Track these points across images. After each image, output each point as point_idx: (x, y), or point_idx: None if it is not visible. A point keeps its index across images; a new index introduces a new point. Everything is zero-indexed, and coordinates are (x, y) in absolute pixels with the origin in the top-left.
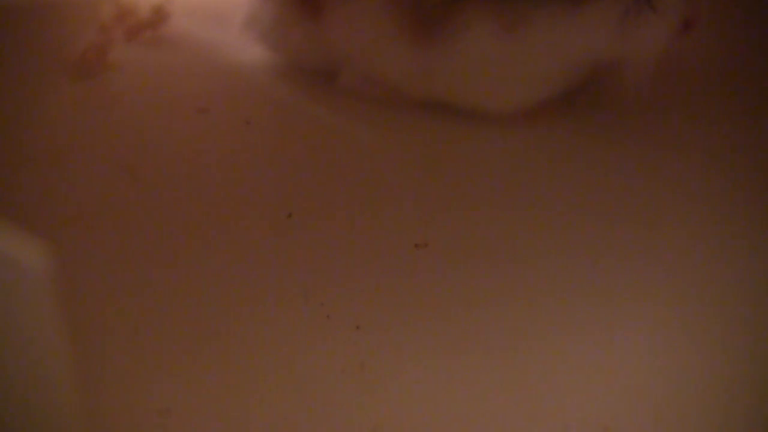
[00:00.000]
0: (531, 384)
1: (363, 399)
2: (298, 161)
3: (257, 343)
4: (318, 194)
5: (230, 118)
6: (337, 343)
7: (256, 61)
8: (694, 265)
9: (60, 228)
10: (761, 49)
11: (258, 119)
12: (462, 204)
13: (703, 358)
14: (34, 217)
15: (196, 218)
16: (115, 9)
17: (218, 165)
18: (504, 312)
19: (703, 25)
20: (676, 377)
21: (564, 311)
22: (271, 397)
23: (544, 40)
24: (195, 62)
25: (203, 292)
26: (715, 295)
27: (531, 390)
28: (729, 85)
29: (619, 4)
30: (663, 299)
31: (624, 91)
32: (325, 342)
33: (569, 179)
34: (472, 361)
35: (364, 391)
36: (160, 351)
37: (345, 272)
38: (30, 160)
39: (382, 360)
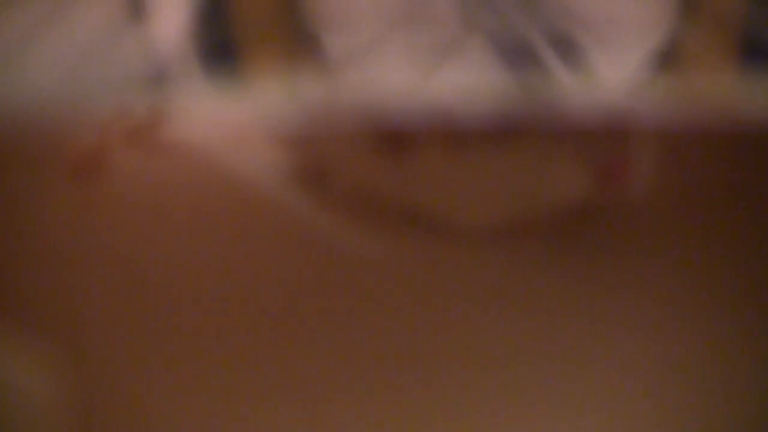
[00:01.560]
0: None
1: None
2: (291, 268)
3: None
4: (310, 302)
5: (227, 225)
6: None
7: (256, 168)
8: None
9: (59, 324)
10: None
11: (255, 225)
12: (452, 316)
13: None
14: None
15: (190, 322)
16: (115, 112)
17: (214, 271)
18: (498, 423)
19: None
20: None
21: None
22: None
23: (487, 166)
24: (193, 168)
25: (197, 392)
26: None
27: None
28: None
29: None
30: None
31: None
32: None
33: (555, 292)
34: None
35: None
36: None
37: (336, 380)
38: (24, 255)
39: None
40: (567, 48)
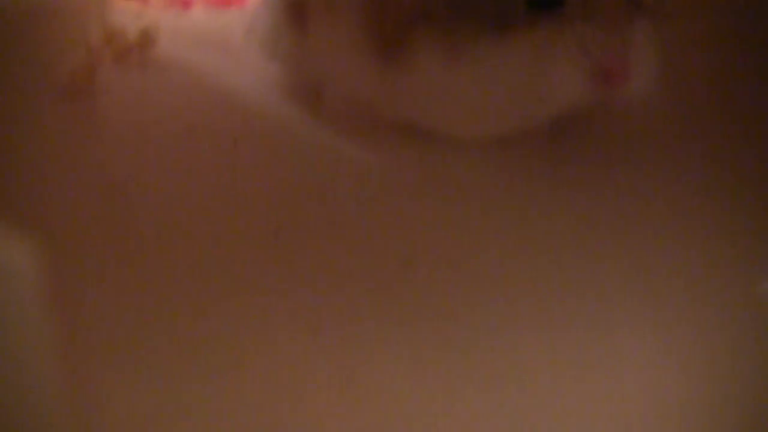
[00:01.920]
0: (523, 398)
1: (350, 417)
2: (285, 179)
3: (244, 358)
4: (305, 212)
5: (217, 137)
6: (323, 359)
7: (244, 82)
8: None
9: (49, 238)
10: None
11: (245, 139)
12: (447, 222)
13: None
14: (21, 224)
15: (182, 235)
16: (103, 32)
17: (205, 183)
18: (490, 326)
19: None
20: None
21: (553, 322)
22: (257, 413)
23: (484, 72)
24: (182, 84)
25: (189, 308)
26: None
27: (524, 403)
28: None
29: (534, 46)
30: (661, 303)
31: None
32: (311, 358)
33: (551, 199)
34: (461, 374)
35: (352, 408)
36: (147, 362)
37: (332, 289)
38: (16, 172)
39: (369, 376)
40: None
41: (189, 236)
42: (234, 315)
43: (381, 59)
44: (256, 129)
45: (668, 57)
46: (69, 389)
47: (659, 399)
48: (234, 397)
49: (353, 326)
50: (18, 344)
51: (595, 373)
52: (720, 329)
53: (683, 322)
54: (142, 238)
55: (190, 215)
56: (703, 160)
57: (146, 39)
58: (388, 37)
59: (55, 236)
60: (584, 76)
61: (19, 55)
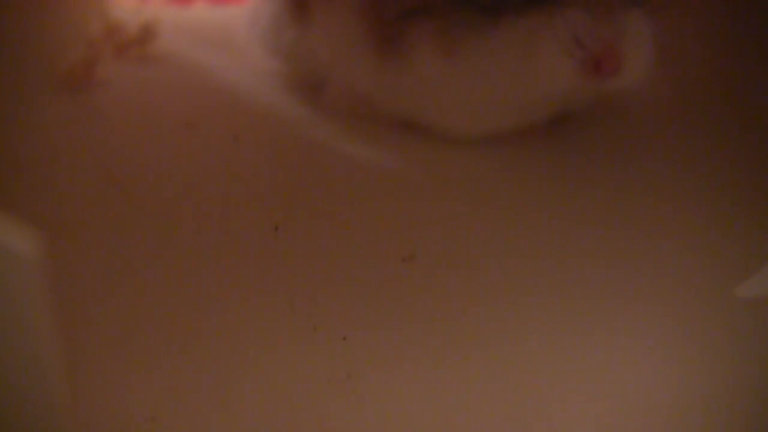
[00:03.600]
0: (522, 395)
1: (350, 409)
2: (285, 175)
3: (244, 353)
4: (304, 208)
5: (218, 133)
6: (323, 353)
7: (245, 78)
8: (686, 272)
9: (48, 231)
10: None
11: (246, 134)
12: (447, 218)
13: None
14: (20, 217)
15: (182, 230)
16: (104, 26)
17: (205, 178)
18: (489, 322)
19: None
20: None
21: (551, 318)
22: (257, 407)
23: (479, 64)
24: (182, 79)
25: (190, 302)
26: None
27: (522, 401)
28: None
29: (527, 35)
30: (659, 301)
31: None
32: (311, 352)
33: (550, 194)
34: (460, 371)
35: (351, 401)
36: (146, 359)
37: (331, 284)
38: (16, 165)
39: (368, 370)
40: None
41: (188, 232)
42: (233, 312)
43: (380, 54)
44: (257, 125)
45: (664, 48)
46: (69, 389)
47: (659, 396)
48: (233, 394)
49: (352, 323)
50: (17, 343)
51: (595, 368)
52: (720, 326)
53: (683, 319)
54: (141, 233)
55: (190, 211)
56: (703, 155)
57: (147, 34)
58: (386, 32)
59: (54, 230)
60: (576, 66)
61: (20, 50)
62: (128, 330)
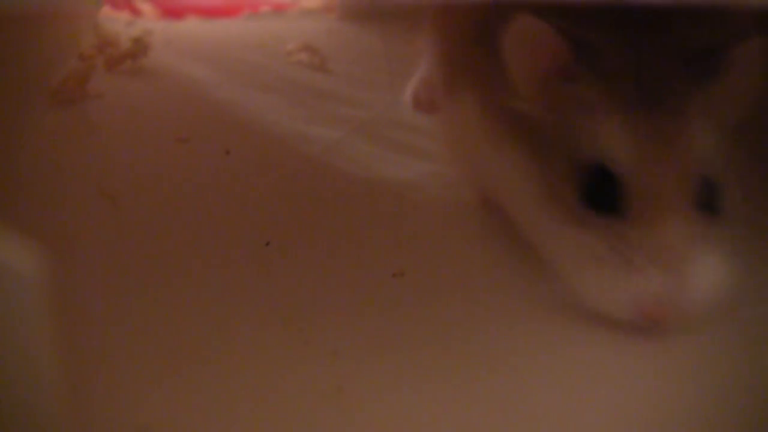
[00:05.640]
0: (515, 406)
1: (340, 423)
2: (276, 190)
3: (235, 368)
4: (296, 223)
5: (210, 147)
6: (314, 367)
7: (236, 92)
8: None
9: (40, 244)
10: None
11: (237, 149)
12: (437, 236)
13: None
14: (14, 228)
15: (174, 244)
16: (96, 39)
17: (197, 192)
18: (479, 337)
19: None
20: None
21: (543, 336)
22: (248, 421)
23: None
24: (174, 93)
25: (181, 316)
26: None
27: (516, 413)
28: None
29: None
30: None
31: None
32: (302, 366)
33: None
34: (451, 386)
35: (342, 417)
36: (138, 372)
37: (322, 299)
38: (8, 178)
39: (359, 385)
40: None
41: (179, 246)
42: (225, 326)
43: None
44: (249, 139)
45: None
46: (65, 400)
47: (660, 400)
48: (225, 407)
49: (343, 338)
50: (12, 355)
51: (593, 370)
52: (720, 324)
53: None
54: (132, 246)
55: (181, 225)
56: None
57: (139, 48)
58: None
59: (45, 243)
60: (626, 304)
61: (13, 63)
62: (121, 342)
